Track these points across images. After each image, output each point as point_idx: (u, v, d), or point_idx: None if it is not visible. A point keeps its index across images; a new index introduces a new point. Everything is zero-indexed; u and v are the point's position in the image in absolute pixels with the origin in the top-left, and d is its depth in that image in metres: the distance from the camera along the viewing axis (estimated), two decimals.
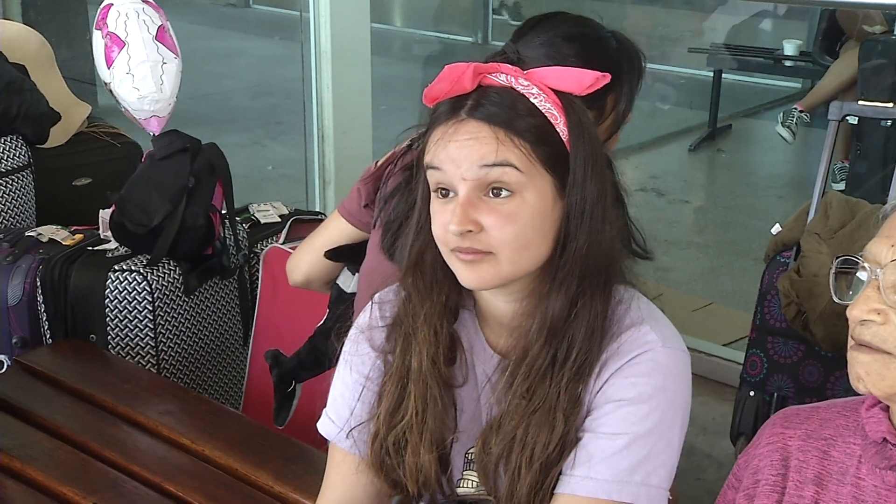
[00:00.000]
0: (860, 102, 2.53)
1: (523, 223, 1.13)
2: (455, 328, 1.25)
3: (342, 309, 1.82)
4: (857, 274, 1.13)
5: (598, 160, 1.18)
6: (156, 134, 2.17)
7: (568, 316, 1.16)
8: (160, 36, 2.06)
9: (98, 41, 2.06)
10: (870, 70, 4.35)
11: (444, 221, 1.15)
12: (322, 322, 1.88)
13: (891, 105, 2.47)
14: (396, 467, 1.24)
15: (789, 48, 5.48)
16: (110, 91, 2.10)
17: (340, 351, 1.32)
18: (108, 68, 2.02)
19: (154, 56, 2.02)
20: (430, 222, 1.19)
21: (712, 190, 5.32)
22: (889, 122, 4.06)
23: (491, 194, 1.12)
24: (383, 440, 1.24)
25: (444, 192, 1.15)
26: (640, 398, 1.15)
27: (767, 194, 5.03)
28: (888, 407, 1.15)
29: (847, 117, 2.54)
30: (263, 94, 6.67)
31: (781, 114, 4.98)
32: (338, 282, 1.84)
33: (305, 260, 1.84)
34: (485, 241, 1.13)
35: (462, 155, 1.12)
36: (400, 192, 1.59)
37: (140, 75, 2.01)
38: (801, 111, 4.92)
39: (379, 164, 1.71)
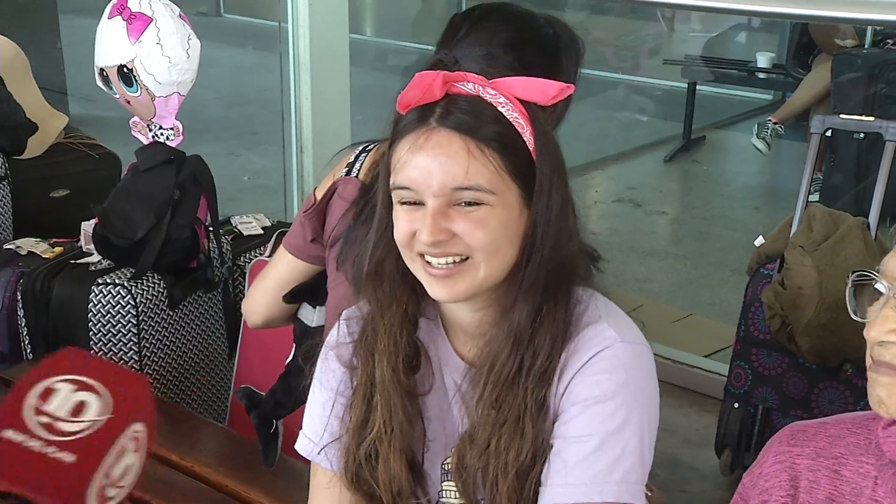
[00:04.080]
0: (842, 116, 2.55)
1: (493, 228, 1.13)
2: (421, 337, 1.25)
3: (310, 344, 1.79)
4: (876, 286, 1.10)
5: (562, 170, 1.19)
6: (174, 120, 2.18)
7: (533, 324, 1.16)
8: (182, 17, 2.14)
9: (114, 25, 2.09)
10: (843, 83, 4.42)
11: (411, 229, 1.14)
12: (291, 358, 1.85)
13: (872, 119, 2.50)
14: (370, 479, 1.25)
15: (763, 60, 5.54)
16: (128, 71, 2.09)
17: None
18: (133, 44, 2.06)
19: (182, 30, 2.10)
20: (390, 230, 1.18)
21: (688, 201, 5.35)
22: (862, 135, 4.11)
23: (462, 204, 1.13)
24: (355, 453, 1.25)
25: (410, 202, 1.15)
26: (604, 396, 1.14)
27: (743, 205, 5.07)
28: None
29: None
30: (238, 104, 6.63)
31: (756, 126, 5.02)
32: (300, 317, 1.81)
33: (262, 302, 1.78)
34: (460, 245, 1.13)
35: (432, 169, 1.12)
36: (361, 223, 1.54)
37: (170, 45, 2.07)
38: (775, 123, 4.97)
39: (318, 196, 1.67)
